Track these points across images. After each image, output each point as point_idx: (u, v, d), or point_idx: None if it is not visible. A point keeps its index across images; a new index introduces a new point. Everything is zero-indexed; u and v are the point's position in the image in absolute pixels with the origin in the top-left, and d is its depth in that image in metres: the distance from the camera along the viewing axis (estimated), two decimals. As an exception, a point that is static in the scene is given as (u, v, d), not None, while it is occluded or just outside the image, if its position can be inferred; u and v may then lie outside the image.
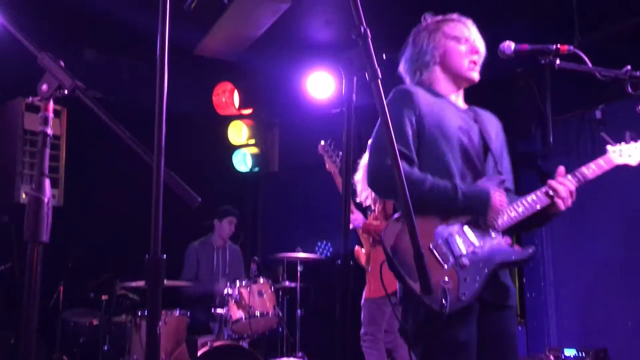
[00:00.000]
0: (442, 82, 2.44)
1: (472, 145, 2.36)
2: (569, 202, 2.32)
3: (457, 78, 2.44)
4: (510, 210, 2.29)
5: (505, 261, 2.24)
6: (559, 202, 2.31)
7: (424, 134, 2.29)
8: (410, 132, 2.27)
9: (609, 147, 2.54)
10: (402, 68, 2.54)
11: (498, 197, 2.22)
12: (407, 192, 1.53)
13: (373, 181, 2.28)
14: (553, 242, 5.21)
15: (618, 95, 2.50)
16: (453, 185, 2.21)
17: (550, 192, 2.32)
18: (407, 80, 2.51)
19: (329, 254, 5.72)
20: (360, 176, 4.10)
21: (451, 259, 2.16)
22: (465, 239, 2.21)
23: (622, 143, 2.53)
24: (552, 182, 2.33)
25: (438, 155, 2.28)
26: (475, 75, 2.43)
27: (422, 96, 2.34)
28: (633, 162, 2.52)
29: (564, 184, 2.32)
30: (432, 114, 2.31)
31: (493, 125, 2.49)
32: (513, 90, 5.32)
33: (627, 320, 4.65)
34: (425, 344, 2.17)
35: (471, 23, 2.49)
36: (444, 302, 2.07)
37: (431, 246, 2.17)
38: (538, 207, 2.32)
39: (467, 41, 2.42)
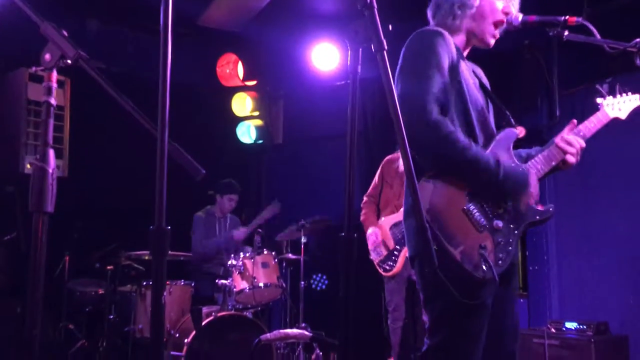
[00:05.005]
0: (460, 35, 2.35)
1: (484, 102, 2.33)
2: (579, 158, 2.34)
3: (476, 35, 2.35)
4: (529, 168, 2.28)
5: (533, 221, 2.24)
6: (572, 158, 2.32)
7: (452, 86, 2.18)
8: (447, 77, 2.15)
9: (601, 100, 2.53)
10: (434, 6, 2.38)
11: (533, 182, 2.19)
12: (409, 155, 1.49)
13: (416, 138, 2.04)
14: (556, 216, 5.17)
15: (627, 68, 2.48)
16: (496, 161, 2.12)
17: (565, 148, 2.31)
18: (433, 22, 2.38)
19: (323, 286, 5.77)
20: None
21: (485, 222, 2.13)
22: (496, 200, 2.17)
23: (611, 97, 2.53)
24: (569, 138, 2.33)
25: (465, 112, 2.19)
26: (492, 42, 2.37)
27: (452, 44, 2.23)
28: (622, 115, 2.53)
29: (577, 140, 2.34)
30: (460, 67, 2.22)
31: (482, 73, 2.46)
32: (520, 62, 5.27)
33: (629, 294, 4.68)
34: (454, 309, 2.08)
35: None
36: (484, 267, 2.04)
37: (465, 208, 2.12)
38: (553, 163, 2.32)
39: None
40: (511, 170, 2.16)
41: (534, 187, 2.20)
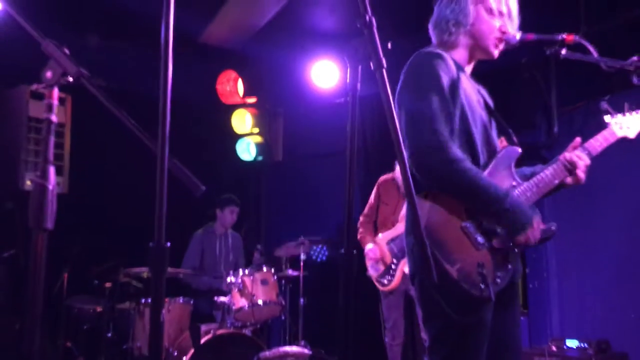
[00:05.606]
0: (462, 50, 2.37)
1: (487, 120, 2.33)
2: (584, 176, 2.32)
3: (478, 50, 2.37)
4: (531, 186, 2.27)
5: None
6: (580, 175, 2.30)
7: (454, 105, 2.18)
8: (447, 97, 2.16)
9: (609, 119, 2.50)
10: (433, 23, 2.41)
11: (536, 227, 2.14)
12: (409, 173, 1.49)
13: (422, 161, 2.08)
14: (556, 233, 5.20)
15: (624, 86, 2.49)
16: (505, 193, 2.10)
17: (569, 166, 2.29)
18: (434, 39, 2.42)
19: (324, 258, 5.73)
20: None
21: (483, 240, 2.11)
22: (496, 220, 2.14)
23: (620, 115, 2.50)
24: (572, 156, 2.31)
25: (466, 131, 2.20)
26: (496, 53, 2.37)
27: (451, 65, 2.25)
28: (631, 134, 2.49)
29: (582, 158, 2.32)
30: (461, 86, 2.23)
31: (486, 93, 2.47)
32: (518, 80, 5.29)
33: (630, 312, 4.65)
34: (454, 328, 2.08)
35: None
36: (481, 286, 2.02)
37: (463, 225, 2.11)
38: (556, 182, 2.30)
39: (501, 16, 2.35)
40: (517, 204, 2.12)
41: (536, 231, 2.14)
